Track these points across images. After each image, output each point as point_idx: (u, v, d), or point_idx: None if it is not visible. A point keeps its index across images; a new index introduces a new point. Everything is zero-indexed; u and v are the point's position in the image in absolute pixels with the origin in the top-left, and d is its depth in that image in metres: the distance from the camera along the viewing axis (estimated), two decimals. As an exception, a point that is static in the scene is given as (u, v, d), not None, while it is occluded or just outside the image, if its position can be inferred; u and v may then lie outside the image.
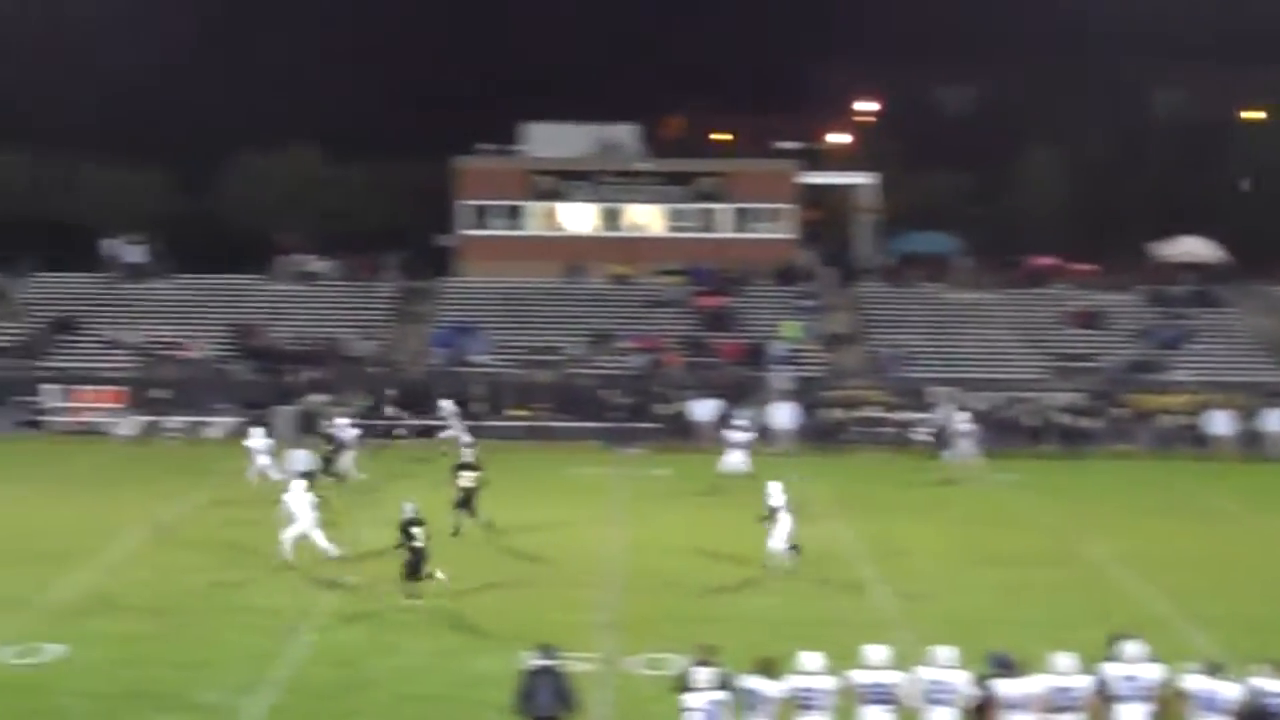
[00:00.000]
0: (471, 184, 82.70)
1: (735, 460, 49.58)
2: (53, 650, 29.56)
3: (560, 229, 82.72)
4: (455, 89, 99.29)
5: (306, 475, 41.03)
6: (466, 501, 41.08)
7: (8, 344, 72.20)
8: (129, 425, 59.41)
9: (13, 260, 79.78)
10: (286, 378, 66.87)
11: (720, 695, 22.90)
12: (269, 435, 49.71)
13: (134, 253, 78.93)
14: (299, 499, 37.24)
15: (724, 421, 55.04)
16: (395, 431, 59.82)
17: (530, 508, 44.69)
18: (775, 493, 37.53)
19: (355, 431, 51.06)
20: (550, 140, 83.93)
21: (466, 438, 51.85)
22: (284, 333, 71.90)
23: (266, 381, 66.67)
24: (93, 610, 32.58)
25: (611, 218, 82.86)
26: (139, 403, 62.03)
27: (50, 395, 62.98)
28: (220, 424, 60.22)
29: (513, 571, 36.91)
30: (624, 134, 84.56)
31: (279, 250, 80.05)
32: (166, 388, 62.92)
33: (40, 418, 62.01)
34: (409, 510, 34.16)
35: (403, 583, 33.73)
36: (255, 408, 62.24)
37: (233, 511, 43.67)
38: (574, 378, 67.06)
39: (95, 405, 61.89)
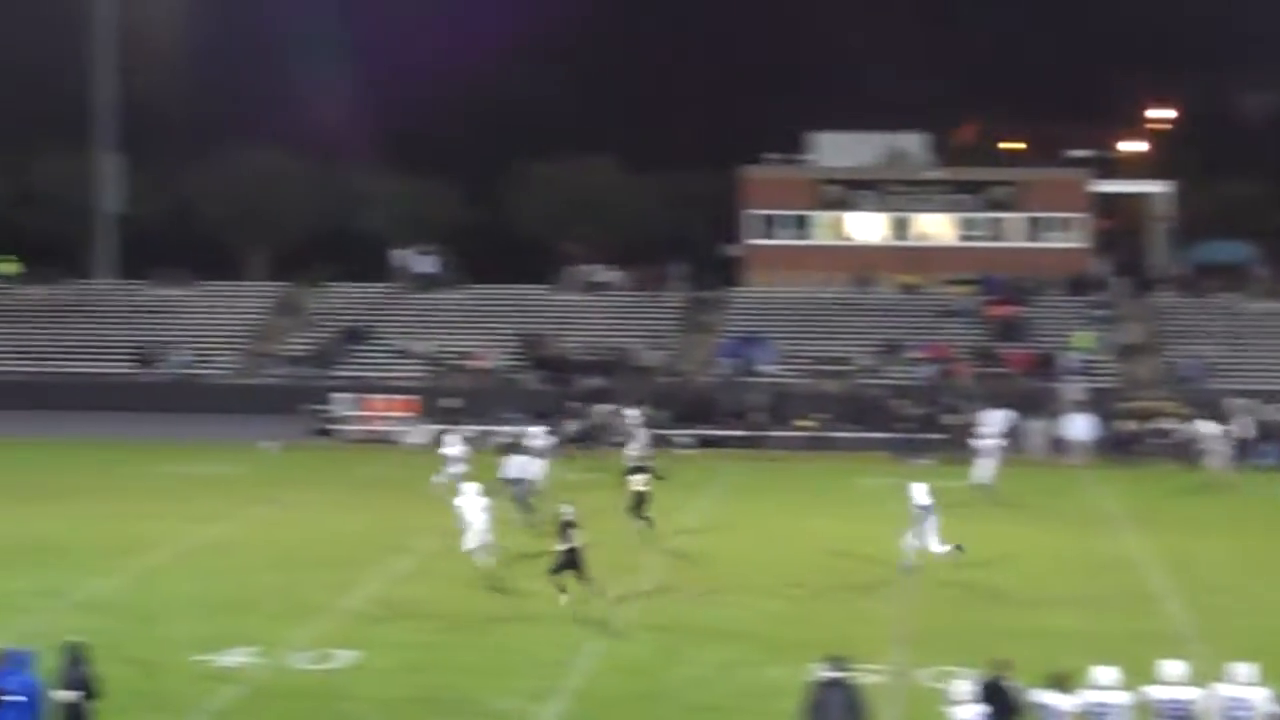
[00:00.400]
0: (758, 193, 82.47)
1: (986, 470, 48.39)
2: (346, 656, 29.70)
3: (848, 238, 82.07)
4: (742, 99, 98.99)
5: (515, 483, 41.80)
6: (639, 504, 41.21)
7: (300, 353, 73.54)
8: (419, 434, 59.94)
9: (305, 271, 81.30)
10: (574, 387, 67.08)
11: (986, 708, 22.20)
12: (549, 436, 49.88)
13: (424, 263, 79.93)
14: (472, 504, 36.91)
15: (997, 431, 53.57)
16: (673, 441, 59.44)
17: (817, 517, 44.13)
18: (920, 494, 37.44)
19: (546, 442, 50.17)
20: (838, 149, 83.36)
21: (641, 446, 51.05)
22: (572, 342, 72.20)
23: (554, 391, 66.96)
24: (384, 617, 32.73)
25: (900, 227, 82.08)
26: (429, 412, 62.59)
27: (341, 404, 63.84)
28: (509, 433, 60.49)
29: (800, 580, 36.37)
30: (913, 143, 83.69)
31: (567, 260, 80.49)
32: (456, 397, 63.42)
33: (331, 426, 62.89)
34: (567, 513, 34.04)
35: (551, 575, 33.55)
36: (543, 417, 62.44)
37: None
38: (862, 388, 66.32)
39: (386, 414, 62.61)
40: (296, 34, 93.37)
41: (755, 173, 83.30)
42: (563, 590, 33.50)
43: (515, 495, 42.84)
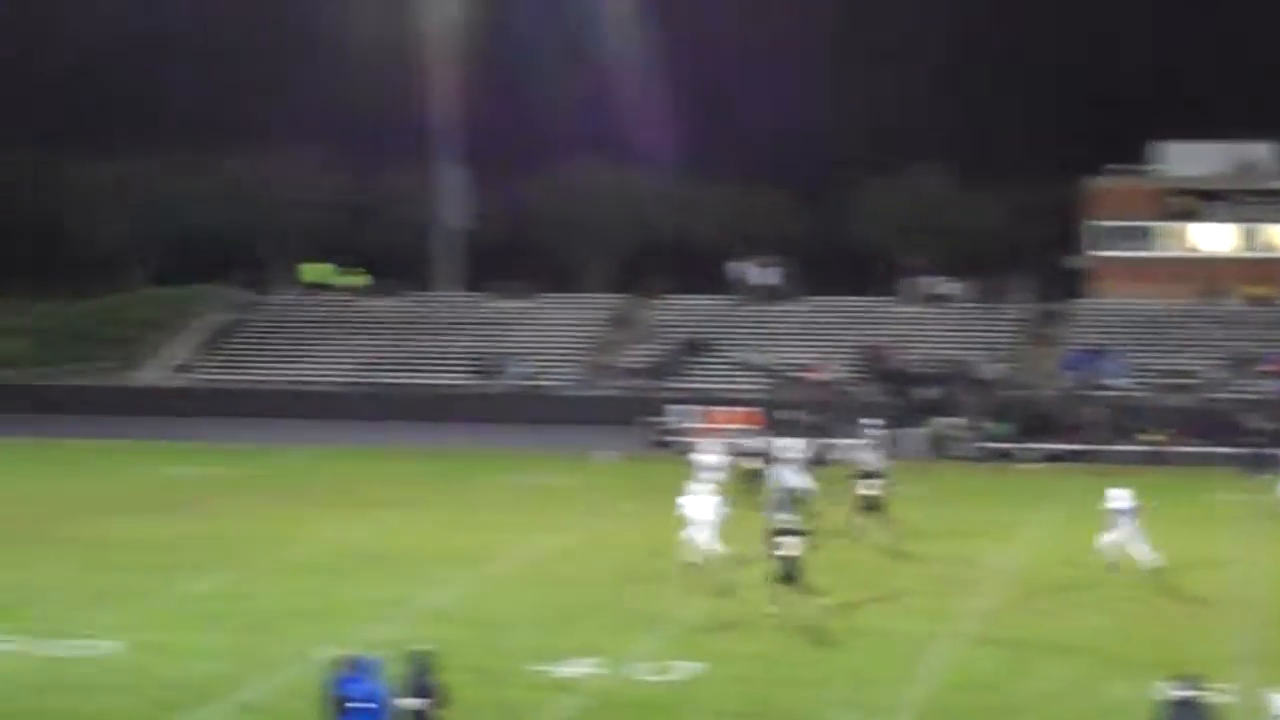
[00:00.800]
0: (1102, 205, 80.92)
1: None
2: (686, 668, 29.59)
3: (1193, 249, 79.96)
4: (1084, 109, 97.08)
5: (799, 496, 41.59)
6: (871, 508, 41.28)
7: (639, 365, 73.96)
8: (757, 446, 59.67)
9: (643, 283, 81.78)
10: (914, 399, 66.41)
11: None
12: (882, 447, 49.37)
13: (763, 275, 79.77)
14: (701, 505, 37.17)
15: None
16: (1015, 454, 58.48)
17: (1165, 534, 42.87)
18: (1120, 498, 37.16)
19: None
20: (1184, 159, 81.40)
21: (872, 456, 49.82)
22: (912, 355, 71.49)
23: (895, 403, 66.32)
24: (725, 629, 32.58)
25: (1249, 237, 79.71)
26: (769, 424, 62.34)
27: (680, 416, 63.94)
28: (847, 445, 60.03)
29: (1146, 597, 35.37)
30: (1262, 152, 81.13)
31: (907, 272, 79.72)
32: (795, 409, 63.11)
33: (670, 438, 63.01)
34: (785, 521, 34.43)
35: (771, 585, 33.07)
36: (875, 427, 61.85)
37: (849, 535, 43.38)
38: (1211, 401, 64.46)
39: (725, 426, 62.49)
40: (629, 48, 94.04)
41: (1099, 184, 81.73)
42: (774, 601, 33.01)
43: (777, 503, 41.68)
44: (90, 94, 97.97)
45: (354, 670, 22.35)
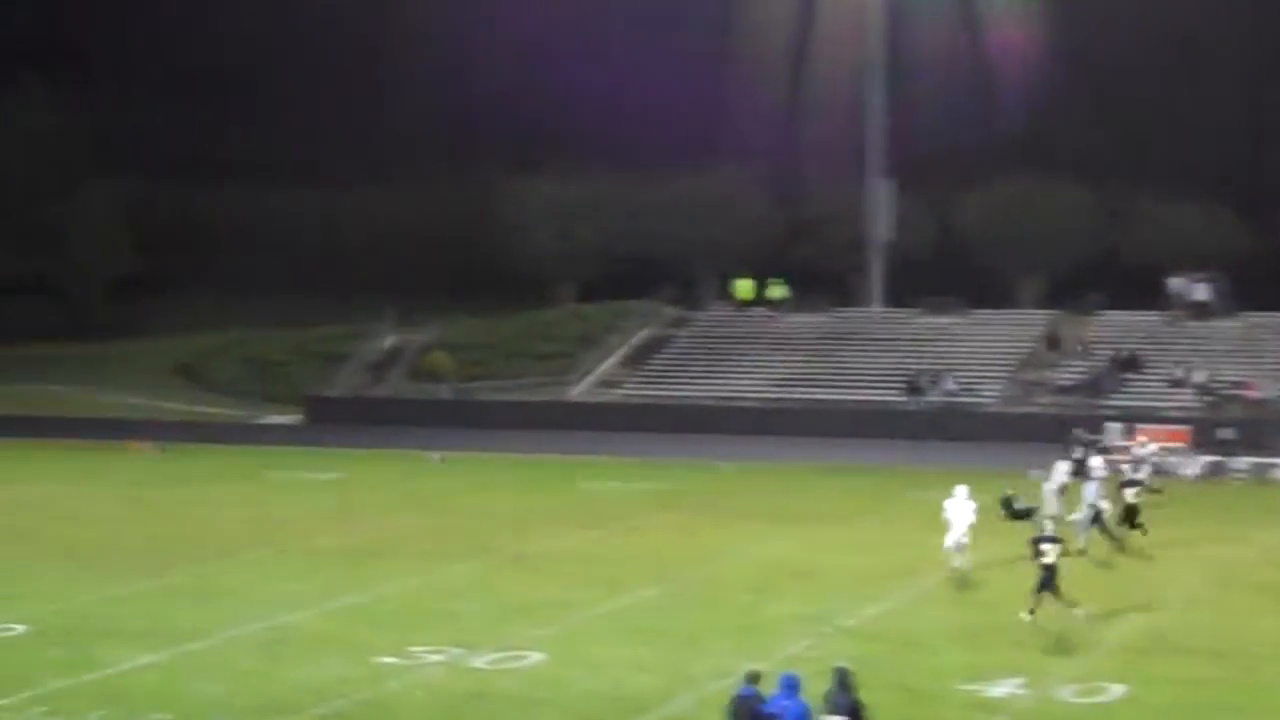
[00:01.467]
0: None
1: None
2: (1114, 691, 28.72)
3: None
4: None
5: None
6: (1129, 516, 42.22)
7: (1070, 381, 72.57)
8: (1194, 465, 57.98)
9: (1076, 299, 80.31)
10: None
11: None
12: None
13: (1199, 290, 77.50)
14: (960, 508, 38.37)
15: None
16: None
17: None
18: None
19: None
20: None
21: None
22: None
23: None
24: (1154, 651, 31.56)
25: None
26: (1204, 442, 60.42)
27: (1113, 433, 62.34)
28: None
29: None
30: None
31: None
32: (1232, 428, 60.96)
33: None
34: (1047, 528, 34.90)
35: (1032, 594, 33.61)
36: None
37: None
38: None
39: (1159, 444, 60.76)
40: (1061, 61, 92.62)
41: None
42: (1031, 611, 33.51)
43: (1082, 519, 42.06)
44: (524, 113, 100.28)
45: (779, 687, 22.13)
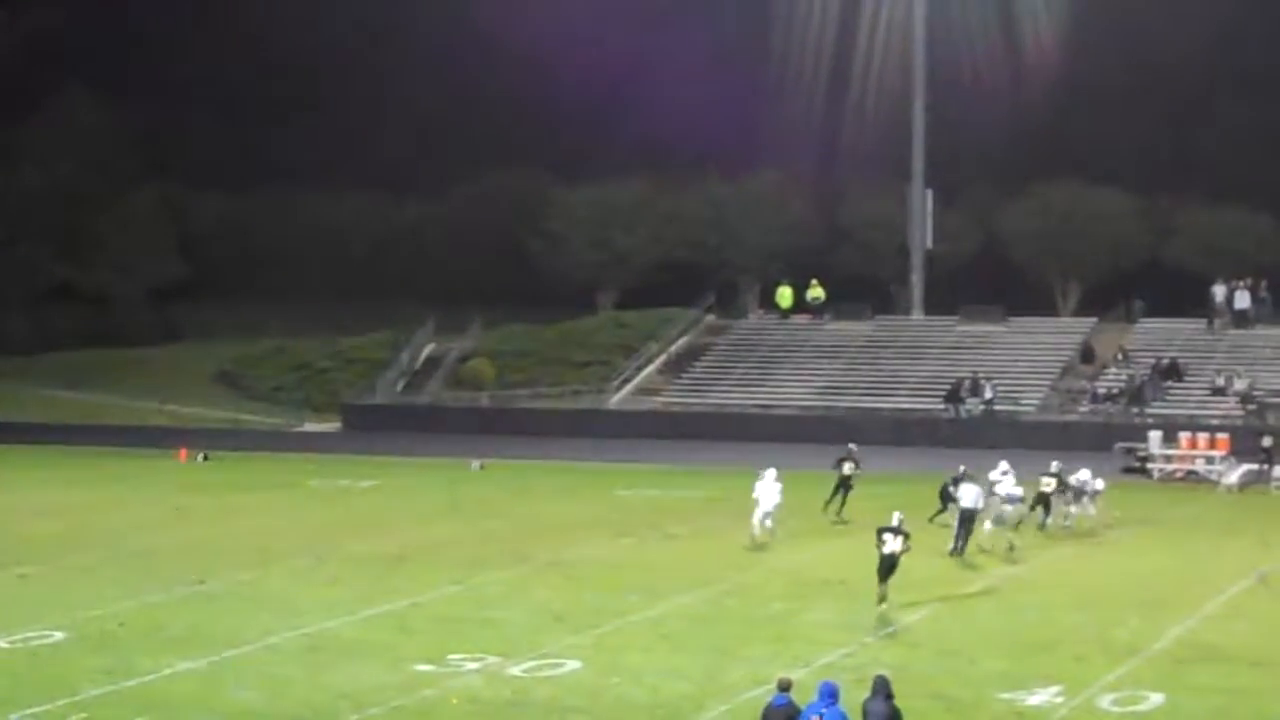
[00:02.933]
0: None
1: None
2: (1153, 700, 28.62)
3: None
4: None
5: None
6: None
7: (1112, 389, 72.37)
8: (1234, 474, 57.72)
9: (1117, 306, 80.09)
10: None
11: None
12: None
13: (1241, 297, 77.27)
14: (768, 489, 44.05)
15: None
16: None
17: None
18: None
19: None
20: None
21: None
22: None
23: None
24: (1194, 659, 31.44)
25: None
26: (1242, 450, 60.12)
27: (1155, 442, 62.04)
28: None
29: None
30: None
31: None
32: (1273, 436, 60.63)
33: (1145, 464, 61.26)
34: (895, 518, 36.73)
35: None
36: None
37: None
38: None
39: (1199, 453, 60.50)
40: (1099, 67, 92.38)
41: None
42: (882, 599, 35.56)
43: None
44: (566, 119, 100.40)
45: (819, 695, 22.09)
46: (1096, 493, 47.00)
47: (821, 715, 21.83)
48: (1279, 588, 38.91)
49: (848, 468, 49.06)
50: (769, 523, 44.34)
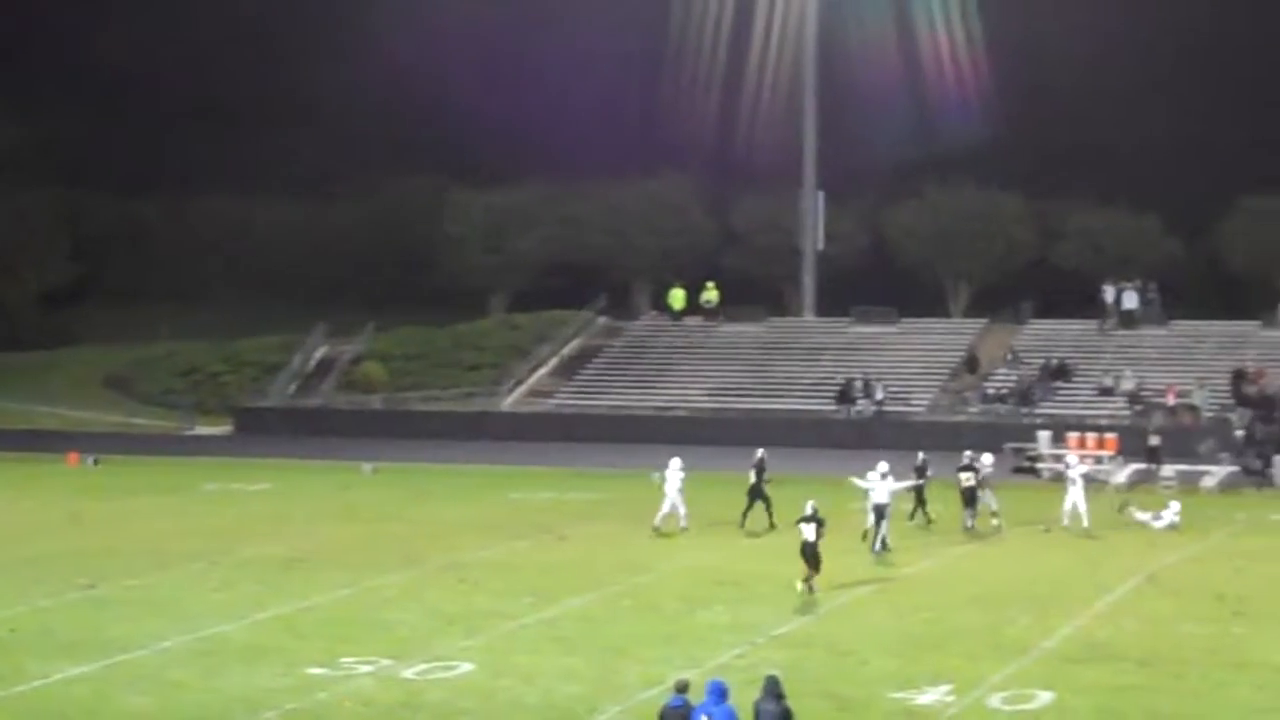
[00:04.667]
0: None
1: None
2: (1043, 698, 28.92)
3: None
4: None
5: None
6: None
7: (1001, 390, 73.00)
8: (1123, 474, 58.36)
9: (1006, 307, 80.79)
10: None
11: None
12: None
13: (1128, 298, 78.11)
14: (672, 477, 46.82)
15: None
16: None
17: None
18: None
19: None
20: None
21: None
22: (1282, 380, 69.27)
23: (1266, 431, 64.23)
24: (1083, 658, 31.80)
25: None
26: (1130, 450, 60.77)
27: (1045, 442, 62.61)
28: (1216, 474, 58.19)
29: None
30: None
31: (1280, 296, 77.27)
32: (1159, 436, 61.34)
33: (1033, 464, 61.77)
34: (808, 508, 38.09)
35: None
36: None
37: (1229, 562, 42.16)
38: None
39: (1088, 452, 61.04)
40: (982, 68, 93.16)
41: None
42: (805, 580, 37.46)
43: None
44: (458, 124, 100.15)
45: (707, 694, 22.21)
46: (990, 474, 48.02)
47: (710, 715, 21.97)
48: (1167, 584, 39.43)
49: (753, 475, 48.89)
50: (681, 510, 46.73)
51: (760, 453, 49.44)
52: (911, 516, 48.15)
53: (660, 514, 46.93)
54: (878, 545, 43.45)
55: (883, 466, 44.59)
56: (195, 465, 66.18)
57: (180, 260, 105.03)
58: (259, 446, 71.44)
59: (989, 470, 48.55)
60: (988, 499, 47.84)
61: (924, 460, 49.01)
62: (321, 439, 73.57)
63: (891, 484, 44.02)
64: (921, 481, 48.61)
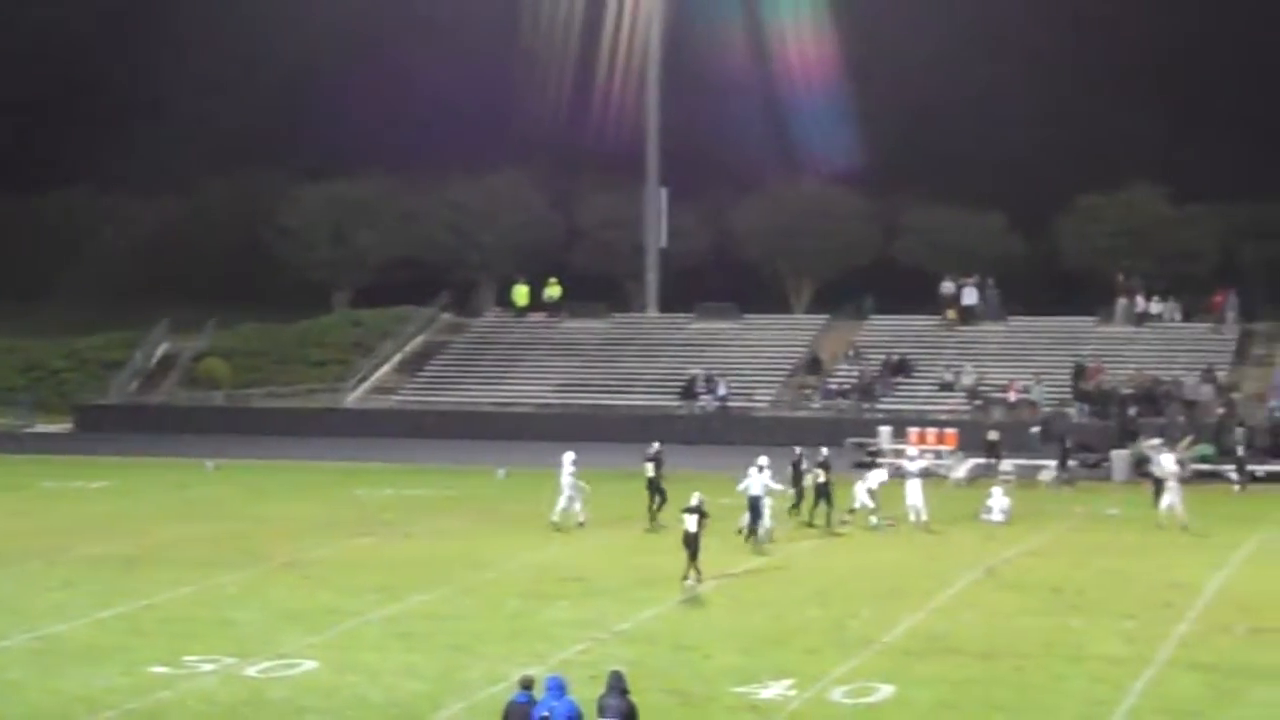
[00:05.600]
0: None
1: None
2: (883, 691, 29.24)
3: None
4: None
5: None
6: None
7: (843, 385, 73.60)
8: (963, 468, 59.06)
9: (848, 303, 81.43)
10: (1122, 421, 65.37)
11: None
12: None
13: (968, 294, 79.04)
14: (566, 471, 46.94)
15: None
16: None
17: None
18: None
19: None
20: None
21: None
22: (1120, 375, 70.38)
23: (1102, 425, 65.34)
24: (923, 651, 32.18)
25: None
26: (970, 445, 61.49)
27: (886, 436, 63.19)
28: (1052, 467, 59.00)
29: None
30: None
31: (1116, 292, 78.45)
32: (999, 430, 62.15)
33: (874, 460, 62.27)
34: (694, 500, 39.47)
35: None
36: (1087, 451, 61.01)
37: (1066, 556, 42.87)
38: None
39: (929, 447, 61.69)
40: (823, 63, 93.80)
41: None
42: (685, 576, 38.35)
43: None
44: (301, 118, 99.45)
45: (547, 689, 22.28)
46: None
47: (553, 709, 22.04)
48: (1006, 577, 39.98)
49: (651, 469, 48.68)
50: (577, 505, 47.16)
51: (656, 446, 49.33)
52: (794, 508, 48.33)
53: (557, 509, 47.16)
54: (752, 534, 44.21)
55: (762, 460, 44.94)
56: (34, 463, 65.37)
57: (19, 256, 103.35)
58: (100, 444, 70.66)
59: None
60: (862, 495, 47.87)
61: (826, 458, 48.35)
62: (163, 436, 72.91)
63: (767, 479, 44.46)
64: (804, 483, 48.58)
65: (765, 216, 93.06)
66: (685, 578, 38.23)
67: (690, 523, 38.31)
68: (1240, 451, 58.49)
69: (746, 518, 44.40)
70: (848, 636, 33.43)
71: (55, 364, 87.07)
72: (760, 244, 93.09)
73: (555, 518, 47.04)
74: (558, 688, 22.26)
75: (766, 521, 44.24)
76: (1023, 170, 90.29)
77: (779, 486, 45.93)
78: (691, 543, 38.31)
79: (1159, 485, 49.30)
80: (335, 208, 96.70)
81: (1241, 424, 62.29)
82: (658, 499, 47.84)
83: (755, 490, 44.13)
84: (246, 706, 28.26)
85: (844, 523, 47.41)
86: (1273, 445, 61.84)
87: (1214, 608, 36.27)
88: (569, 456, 47.40)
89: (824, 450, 48.91)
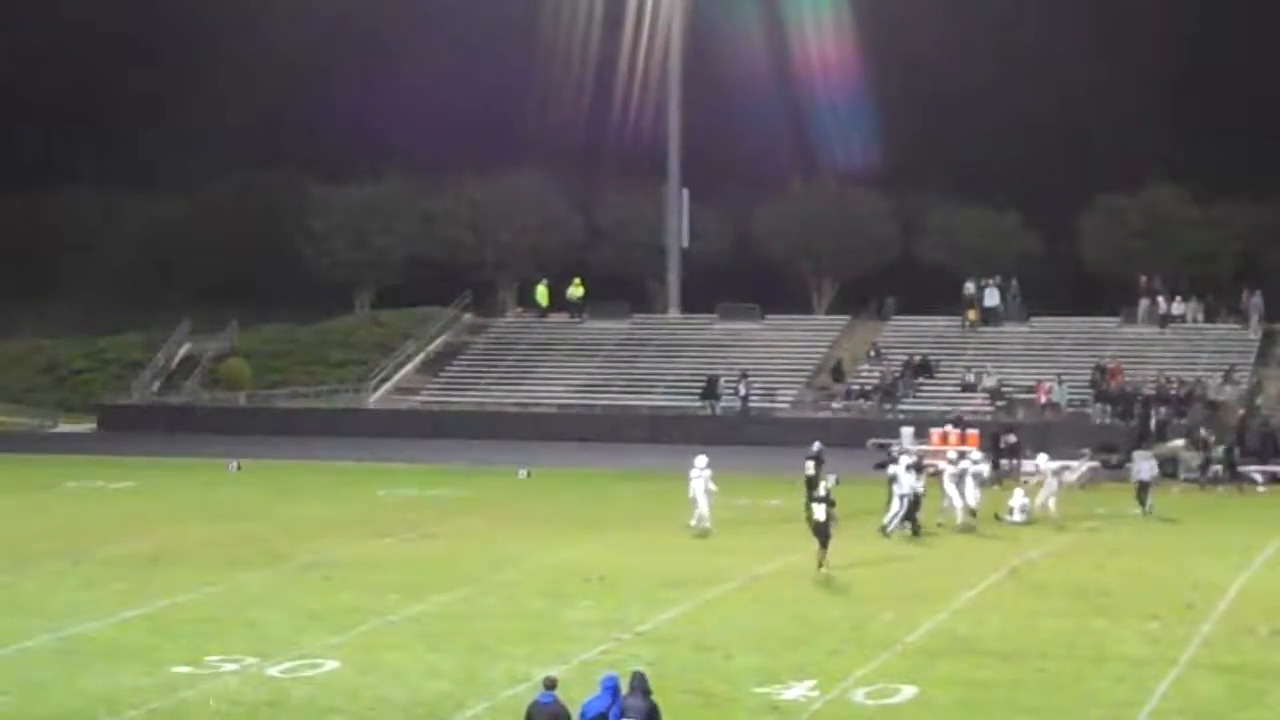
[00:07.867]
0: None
1: None
2: (906, 692, 29.21)
3: None
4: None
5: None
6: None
7: (865, 386, 73.56)
8: (1075, 472, 58.65)
9: (871, 303, 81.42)
10: (1145, 421, 65.25)
11: None
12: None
13: (990, 295, 78.95)
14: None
15: None
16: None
17: None
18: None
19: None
20: None
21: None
22: (1142, 376, 70.26)
23: (1124, 425, 65.23)
24: (945, 652, 32.14)
25: None
26: (990, 446, 61.25)
27: (907, 437, 63.01)
28: (1078, 468, 58.83)
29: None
30: None
31: (1138, 293, 78.34)
32: (1013, 432, 61.94)
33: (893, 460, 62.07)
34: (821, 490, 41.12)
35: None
36: (1111, 451, 60.87)
37: (1089, 556, 42.76)
38: None
39: (950, 448, 61.45)
40: (843, 65, 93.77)
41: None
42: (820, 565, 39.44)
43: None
44: (324, 119, 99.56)
45: (607, 689, 22.28)
46: None
47: (631, 706, 22.10)
48: (1029, 578, 39.92)
49: (811, 467, 48.19)
50: (705, 509, 46.09)
51: (817, 445, 49.31)
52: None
53: (698, 514, 46.39)
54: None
55: (700, 460, 45.49)
56: (58, 463, 65.49)
57: (42, 256, 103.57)
58: (122, 444, 70.82)
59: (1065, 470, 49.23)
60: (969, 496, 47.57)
61: (818, 451, 48.49)
62: (185, 436, 73.08)
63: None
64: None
65: (786, 217, 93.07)
66: (820, 566, 39.36)
67: (819, 511, 39.49)
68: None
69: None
70: (869, 637, 33.37)
71: (77, 364, 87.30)
72: (781, 244, 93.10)
73: (693, 523, 46.40)
74: (617, 689, 22.29)
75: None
76: (1044, 170, 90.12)
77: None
78: (821, 530, 39.49)
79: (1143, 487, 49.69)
80: (357, 208, 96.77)
81: (1259, 425, 62.11)
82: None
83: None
84: (268, 707, 28.28)
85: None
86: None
87: (1237, 609, 36.18)
88: (701, 460, 46.43)
89: (816, 444, 48.81)
